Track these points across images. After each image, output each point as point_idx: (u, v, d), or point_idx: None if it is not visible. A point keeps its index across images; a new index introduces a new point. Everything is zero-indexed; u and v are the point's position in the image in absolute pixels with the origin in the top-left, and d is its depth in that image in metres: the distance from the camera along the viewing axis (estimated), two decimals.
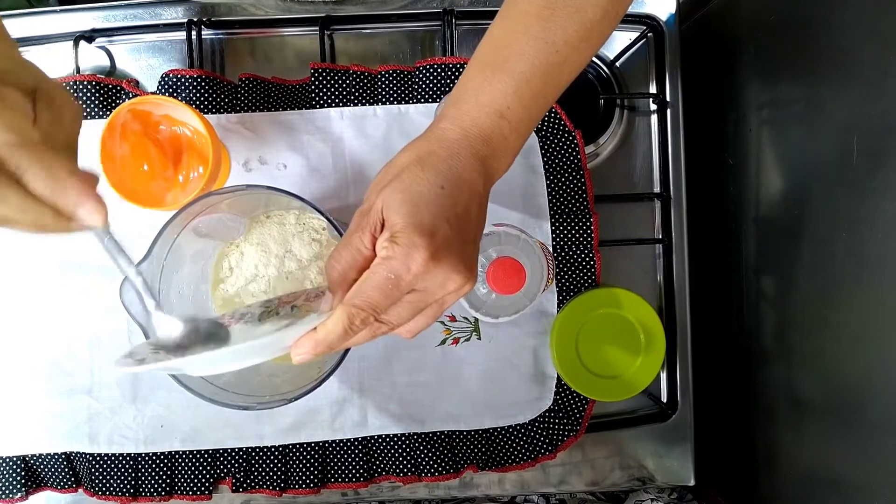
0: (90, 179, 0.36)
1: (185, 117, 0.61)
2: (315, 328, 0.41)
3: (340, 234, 0.50)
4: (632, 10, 0.71)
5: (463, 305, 0.60)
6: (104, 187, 0.42)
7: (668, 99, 0.70)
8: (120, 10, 0.68)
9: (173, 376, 0.51)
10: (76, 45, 0.66)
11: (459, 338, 0.68)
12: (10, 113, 0.34)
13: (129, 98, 0.65)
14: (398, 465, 0.67)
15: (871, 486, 0.54)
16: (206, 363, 0.41)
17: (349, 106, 0.67)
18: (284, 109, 0.67)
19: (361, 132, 0.67)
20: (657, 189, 0.71)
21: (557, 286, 0.69)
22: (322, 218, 0.52)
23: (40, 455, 0.67)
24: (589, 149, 0.71)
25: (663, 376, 0.72)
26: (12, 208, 0.34)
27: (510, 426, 0.69)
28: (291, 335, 0.41)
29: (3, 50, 0.39)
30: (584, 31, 0.43)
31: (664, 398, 0.72)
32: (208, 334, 0.45)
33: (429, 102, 0.67)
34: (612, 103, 0.71)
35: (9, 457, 0.67)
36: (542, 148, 0.68)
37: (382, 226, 0.40)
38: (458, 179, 0.41)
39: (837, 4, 0.57)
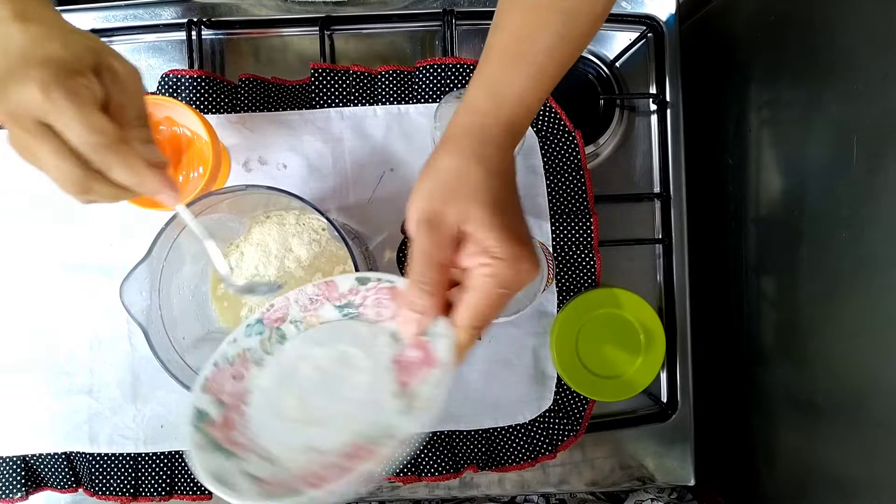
0: (163, 165, 0.42)
1: (185, 118, 0.61)
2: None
3: (340, 235, 0.50)
4: (632, 10, 0.71)
5: None
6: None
7: (668, 99, 0.71)
8: (120, 10, 0.68)
9: (173, 376, 0.51)
10: None
11: None
12: (91, 112, 0.37)
13: None
14: (398, 464, 0.67)
15: (871, 486, 0.54)
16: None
17: (349, 106, 0.67)
18: (284, 109, 0.67)
19: (361, 132, 0.67)
20: (657, 189, 0.71)
21: (557, 286, 0.69)
22: (322, 218, 0.52)
23: (40, 455, 0.67)
24: (589, 149, 0.71)
25: (663, 376, 0.72)
26: (102, 196, 0.41)
27: (510, 426, 0.69)
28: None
29: (63, 35, 0.40)
30: (592, 23, 0.45)
31: (664, 398, 0.72)
32: None
33: (429, 102, 0.67)
34: (612, 103, 0.71)
35: (9, 457, 0.67)
36: (542, 148, 0.68)
37: (458, 237, 0.38)
38: (513, 176, 0.41)
39: (837, 4, 0.57)
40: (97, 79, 0.40)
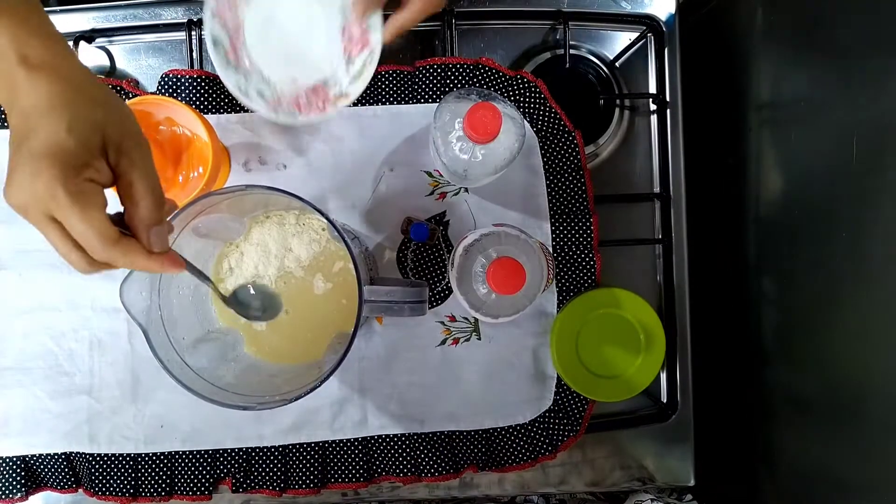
0: (163, 241, 0.43)
1: (185, 118, 0.61)
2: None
3: (340, 235, 0.50)
4: (632, 10, 0.71)
5: (463, 305, 0.60)
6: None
7: (668, 99, 0.71)
8: (120, 10, 0.68)
9: (173, 376, 0.51)
10: (76, 45, 0.66)
11: (459, 338, 0.68)
12: (93, 213, 0.38)
13: (130, 98, 0.65)
14: (398, 465, 0.67)
15: (871, 486, 0.54)
16: None
17: (349, 106, 0.67)
18: None
19: (361, 132, 0.67)
20: (657, 189, 0.71)
21: (557, 286, 0.69)
22: (322, 218, 0.52)
23: (40, 455, 0.67)
24: (589, 149, 0.71)
25: (663, 376, 0.72)
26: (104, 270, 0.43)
27: (510, 426, 0.69)
28: None
29: (72, 102, 0.39)
30: None
31: (664, 398, 0.72)
32: None
33: (429, 102, 0.67)
34: (612, 103, 0.71)
35: (9, 457, 0.67)
36: (541, 148, 0.68)
37: None
38: None
39: (837, 4, 0.57)
40: (104, 159, 0.40)
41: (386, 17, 0.59)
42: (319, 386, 0.51)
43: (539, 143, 0.68)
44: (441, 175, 0.68)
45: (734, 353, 0.76)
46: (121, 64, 0.69)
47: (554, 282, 0.68)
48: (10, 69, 0.39)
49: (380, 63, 0.63)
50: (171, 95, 0.66)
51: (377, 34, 0.57)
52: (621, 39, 0.72)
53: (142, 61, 0.69)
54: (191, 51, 0.67)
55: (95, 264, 0.41)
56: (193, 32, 0.67)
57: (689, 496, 0.74)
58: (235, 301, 0.58)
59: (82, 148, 0.39)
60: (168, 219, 0.51)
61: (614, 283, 0.69)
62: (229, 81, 0.57)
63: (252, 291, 0.60)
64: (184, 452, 0.67)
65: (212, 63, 0.68)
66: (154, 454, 0.67)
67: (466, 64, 0.67)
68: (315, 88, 0.59)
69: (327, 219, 0.52)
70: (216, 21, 0.57)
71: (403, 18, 0.57)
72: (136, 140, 0.42)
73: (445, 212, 0.68)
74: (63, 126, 0.38)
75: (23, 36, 0.39)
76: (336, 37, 0.59)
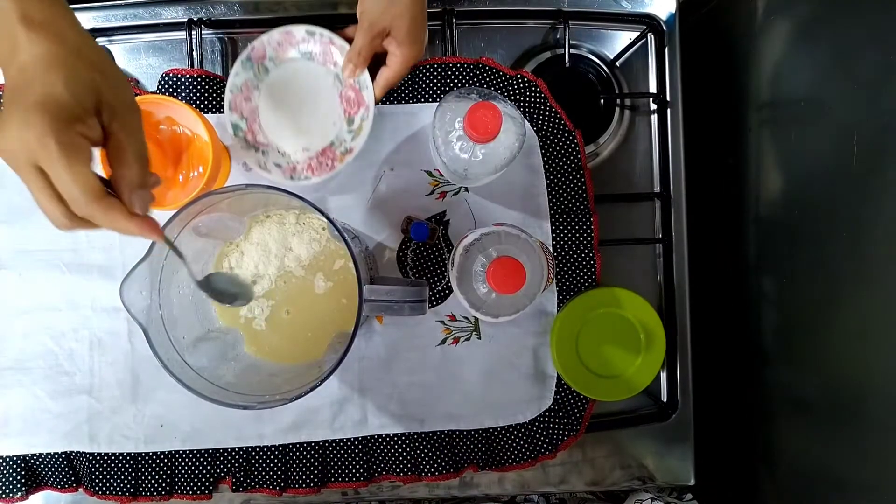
0: (145, 204, 0.43)
1: (185, 118, 0.61)
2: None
3: (340, 234, 0.50)
4: (632, 9, 0.71)
5: (463, 305, 0.60)
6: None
7: (668, 99, 0.71)
8: (120, 9, 0.68)
9: (174, 375, 0.51)
10: None
11: (459, 337, 0.68)
12: (80, 167, 0.39)
13: None
14: (398, 464, 0.67)
15: (871, 486, 0.54)
16: None
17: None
18: None
19: None
20: (657, 189, 0.71)
21: (557, 286, 0.69)
22: (322, 217, 0.52)
23: (40, 455, 0.67)
24: (589, 149, 0.71)
25: (663, 376, 0.72)
26: (85, 230, 0.43)
27: (510, 426, 0.69)
28: None
29: (68, 61, 0.40)
30: None
31: (664, 398, 0.72)
32: None
33: (429, 102, 0.67)
34: (612, 103, 0.71)
35: (9, 457, 0.67)
36: (542, 148, 0.68)
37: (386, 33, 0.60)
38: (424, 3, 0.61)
39: (837, 5, 0.57)
40: (97, 118, 0.41)
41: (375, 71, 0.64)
42: (319, 385, 0.51)
43: (539, 142, 0.68)
44: (441, 174, 0.68)
45: (734, 353, 0.76)
46: (121, 63, 0.69)
47: (554, 281, 0.68)
48: (12, 27, 0.40)
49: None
50: (171, 95, 0.66)
51: (369, 92, 0.63)
52: (621, 39, 0.72)
53: (142, 61, 0.69)
54: (191, 50, 0.67)
55: (75, 220, 0.41)
56: (193, 32, 0.67)
57: (689, 496, 0.74)
58: (207, 285, 0.57)
59: (76, 103, 0.39)
60: (168, 218, 0.51)
61: (614, 283, 0.69)
62: (251, 160, 0.64)
63: (225, 278, 0.60)
64: (184, 452, 0.67)
65: (212, 62, 0.69)
66: (154, 453, 0.67)
67: (466, 63, 0.67)
68: (324, 151, 0.65)
69: (327, 218, 0.52)
70: (234, 113, 0.65)
71: (388, 77, 0.63)
72: (130, 105, 0.43)
73: (445, 211, 0.68)
74: (60, 81, 0.39)
75: None
76: (336, 103, 0.66)
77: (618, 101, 0.72)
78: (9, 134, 0.39)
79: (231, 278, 0.61)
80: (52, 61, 0.40)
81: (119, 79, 0.43)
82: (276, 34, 0.64)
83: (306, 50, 0.65)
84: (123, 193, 0.42)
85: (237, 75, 0.64)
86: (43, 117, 0.38)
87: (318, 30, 0.64)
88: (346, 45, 0.64)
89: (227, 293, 0.59)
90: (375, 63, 0.64)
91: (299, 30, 0.64)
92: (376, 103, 0.64)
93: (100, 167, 0.44)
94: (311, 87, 0.66)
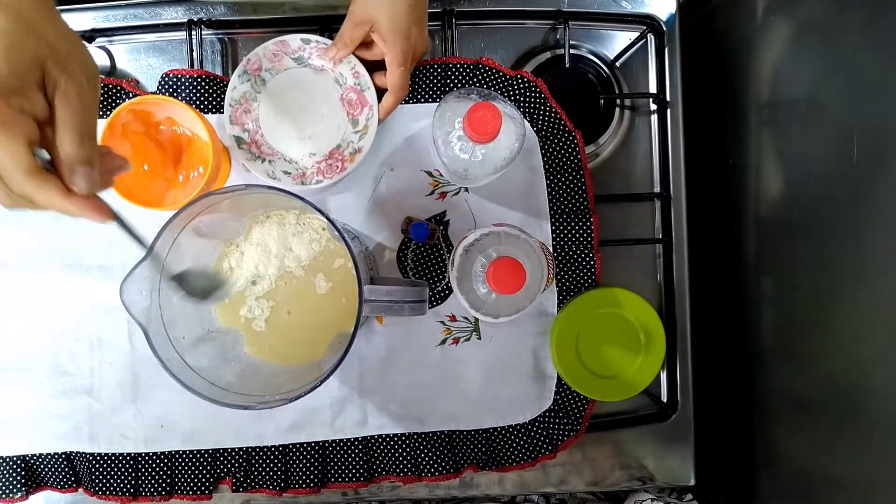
0: (89, 182, 0.41)
1: (185, 118, 0.61)
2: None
3: (340, 234, 0.50)
4: (632, 9, 0.71)
5: (463, 305, 0.60)
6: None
7: (668, 99, 0.71)
8: (120, 10, 0.68)
9: (174, 376, 0.51)
10: None
11: (459, 338, 0.68)
12: (15, 142, 0.38)
13: (130, 98, 0.65)
14: (398, 464, 0.67)
15: (870, 486, 0.54)
16: None
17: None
18: None
19: None
20: (657, 189, 0.71)
21: (557, 286, 0.69)
22: (322, 218, 0.52)
23: (40, 455, 0.67)
24: (589, 149, 0.71)
25: (663, 376, 0.72)
26: (28, 209, 0.42)
27: (510, 426, 0.69)
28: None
29: (14, 38, 0.39)
30: None
31: (664, 398, 0.72)
32: None
33: (429, 102, 0.67)
34: (612, 103, 0.71)
35: (9, 457, 0.67)
36: (542, 148, 0.68)
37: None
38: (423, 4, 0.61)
39: (837, 5, 0.57)
40: (41, 94, 0.40)
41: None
42: (319, 385, 0.51)
43: (539, 142, 0.68)
44: (441, 175, 0.68)
45: (734, 353, 0.76)
46: (121, 63, 0.69)
47: (554, 281, 0.68)
48: None
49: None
50: (171, 95, 0.66)
51: (371, 92, 0.64)
52: (621, 39, 0.72)
53: (142, 61, 0.69)
54: (191, 50, 0.67)
55: (13, 198, 0.40)
56: (193, 32, 0.67)
57: (689, 496, 0.74)
58: (180, 280, 0.56)
59: (14, 77, 0.39)
60: (168, 218, 0.51)
61: (614, 283, 0.69)
62: (258, 170, 0.64)
63: (197, 272, 0.59)
64: (184, 452, 0.67)
65: (212, 63, 0.69)
66: (154, 454, 0.67)
67: (466, 64, 0.67)
68: (331, 153, 0.66)
69: (327, 218, 0.52)
70: (236, 126, 0.65)
71: (387, 104, 0.64)
72: (78, 80, 0.41)
73: (445, 211, 0.68)
74: (1, 55, 0.38)
75: None
76: (338, 106, 0.66)
77: (618, 101, 0.72)
78: None
79: (201, 272, 0.60)
80: (1, 34, 0.39)
81: (74, 53, 0.42)
82: (270, 45, 0.64)
83: (302, 58, 0.65)
84: (60, 168, 0.41)
85: (234, 89, 0.64)
86: None
87: (313, 38, 0.64)
88: None
89: (199, 288, 0.58)
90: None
91: (294, 39, 0.64)
92: (386, 111, 0.64)
93: None
94: (310, 94, 0.66)
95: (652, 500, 0.73)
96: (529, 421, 0.69)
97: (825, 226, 0.59)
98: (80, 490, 0.67)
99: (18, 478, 0.66)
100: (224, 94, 0.65)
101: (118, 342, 0.67)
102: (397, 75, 0.61)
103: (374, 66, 0.64)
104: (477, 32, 0.70)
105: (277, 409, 0.55)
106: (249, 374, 0.63)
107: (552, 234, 0.68)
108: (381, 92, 0.64)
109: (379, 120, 0.64)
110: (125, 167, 0.46)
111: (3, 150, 0.38)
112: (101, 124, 0.58)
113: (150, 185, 0.61)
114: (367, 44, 0.63)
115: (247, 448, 0.67)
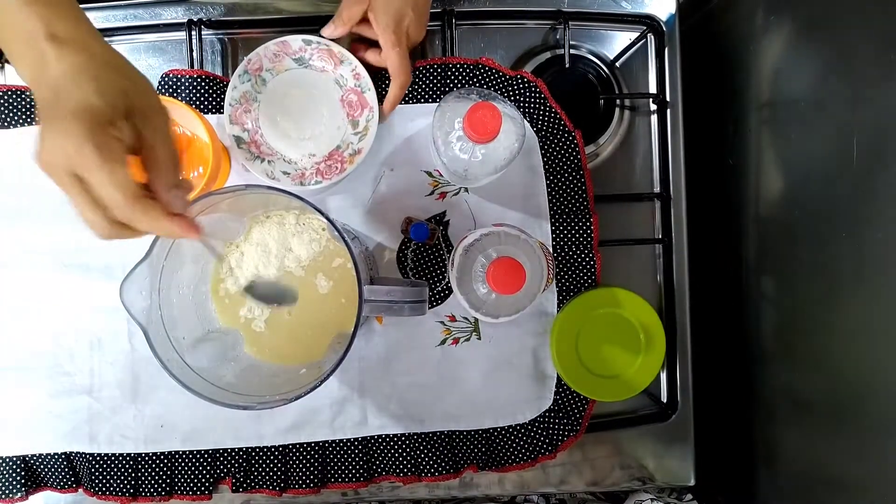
0: (183, 204, 0.44)
1: (185, 118, 0.61)
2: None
3: (340, 234, 0.50)
4: (632, 10, 0.71)
5: (463, 305, 0.60)
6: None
7: (668, 99, 0.71)
8: (120, 10, 0.68)
9: (174, 376, 0.51)
10: None
11: (459, 338, 0.68)
12: (117, 168, 0.40)
13: None
14: (398, 465, 0.67)
15: (870, 486, 0.54)
16: None
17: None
18: None
19: None
20: (657, 189, 0.71)
21: (557, 286, 0.69)
22: (322, 218, 0.52)
23: (40, 455, 0.67)
24: (589, 149, 0.71)
25: (663, 376, 0.72)
26: (128, 238, 0.44)
27: (510, 426, 0.69)
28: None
29: (97, 71, 0.41)
30: None
31: (664, 398, 0.72)
32: None
33: (429, 102, 0.67)
34: (612, 103, 0.71)
35: (9, 457, 0.67)
36: (542, 148, 0.68)
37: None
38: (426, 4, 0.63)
39: (837, 5, 0.57)
40: (128, 123, 0.42)
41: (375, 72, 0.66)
42: (319, 386, 0.51)
43: (539, 142, 0.68)
44: (441, 175, 0.68)
45: (734, 352, 0.76)
46: None
47: (554, 281, 0.68)
48: (40, 45, 0.41)
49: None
50: (171, 95, 0.66)
51: (372, 94, 0.65)
52: (621, 39, 0.72)
53: (142, 61, 0.69)
54: (191, 51, 0.67)
55: (116, 226, 0.42)
56: (193, 32, 0.67)
57: (689, 496, 0.74)
58: (250, 290, 0.61)
59: (109, 109, 0.41)
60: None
61: (614, 283, 0.69)
62: (257, 170, 0.64)
63: (266, 282, 0.63)
64: (184, 452, 0.67)
65: (212, 63, 0.69)
66: (154, 454, 0.67)
67: (466, 64, 0.67)
68: (331, 154, 0.66)
69: (327, 218, 0.52)
70: (235, 126, 0.65)
71: (391, 94, 0.64)
72: (158, 110, 0.44)
73: (445, 212, 0.68)
74: (91, 89, 0.40)
75: (51, 17, 0.41)
76: (337, 107, 0.66)
77: (618, 101, 0.72)
78: (47, 146, 0.40)
79: (273, 285, 0.64)
80: (82, 72, 0.41)
81: (146, 85, 0.45)
82: (271, 45, 0.64)
83: (303, 59, 0.65)
84: (161, 194, 0.43)
85: (235, 89, 0.64)
86: (79, 125, 0.39)
87: (314, 38, 0.64)
88: (345, 51, 0.64)
89: (270, 296, 0.63)
90: (380, 77, 0.64)
91: (295, 40, 0.64)
92: (391, 101, 0.65)
93: None
94: (310, 95, 0.66)
95: (652, 500, 0.73)
96: (529, 421, 0.69)
97: (825, 226, 0.59)
98: (80, 490, 0.67)
99: (18, 478, 0.66)
100: (224, 95, 0.65)
101: (118, 342, 0.67)
102: (393, 56, 0.62)
103: (376, 46, 0.65)
104: (477, 32, 0.70)
105: (277, 409, 0.55)
106: (249, 374, 0.63)
107: (552, 234, 0.68)
108: (373, 72, 0.65)
109: (385, 113, 0.64)
110: (191, 187, 0.47)
111: (109, 179, 0.39)
112: None
113: None
114: (368, 21, 0.63)
115: (247, 448, 0.67)
